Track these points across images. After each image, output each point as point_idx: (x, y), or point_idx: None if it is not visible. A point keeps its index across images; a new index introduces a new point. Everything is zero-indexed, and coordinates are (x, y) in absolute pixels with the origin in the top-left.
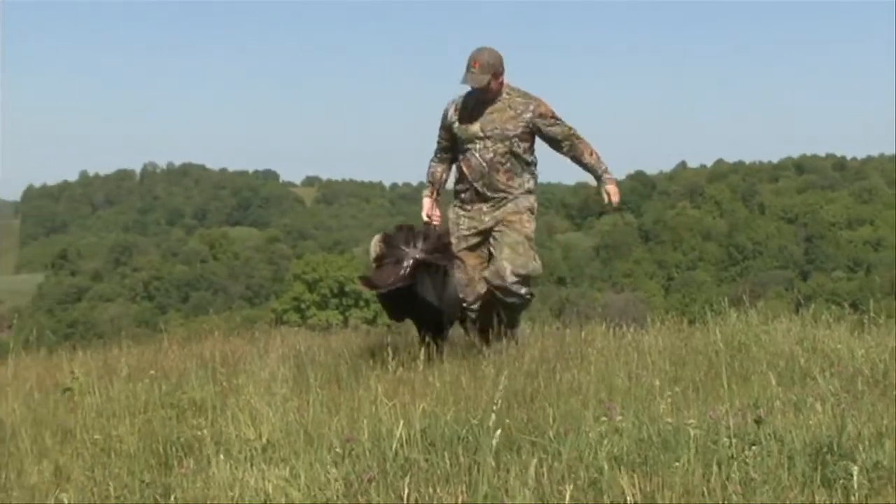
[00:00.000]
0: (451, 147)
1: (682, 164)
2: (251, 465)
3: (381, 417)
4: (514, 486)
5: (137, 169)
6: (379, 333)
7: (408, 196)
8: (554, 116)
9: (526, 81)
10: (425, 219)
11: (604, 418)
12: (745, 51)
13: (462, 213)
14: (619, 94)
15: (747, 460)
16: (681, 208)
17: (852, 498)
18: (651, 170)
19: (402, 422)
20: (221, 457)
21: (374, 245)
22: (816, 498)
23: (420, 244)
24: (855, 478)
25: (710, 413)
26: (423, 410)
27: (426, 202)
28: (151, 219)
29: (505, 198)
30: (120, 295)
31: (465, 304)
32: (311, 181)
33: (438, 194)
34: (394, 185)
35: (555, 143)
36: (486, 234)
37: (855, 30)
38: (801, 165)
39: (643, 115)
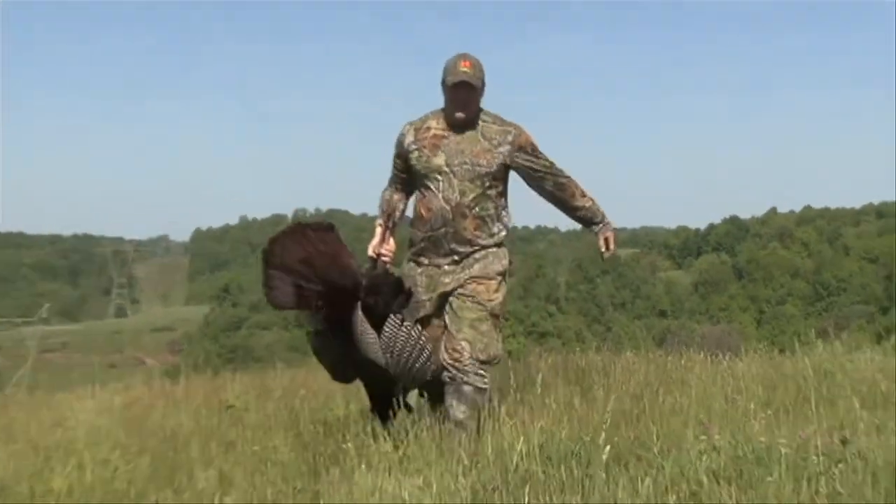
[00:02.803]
0: (409, 179)
1: (773, 210)
2: (389, 474)
3: (503, 434)
4: (622, 496)
5: (290, 214)
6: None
7: (525, 238)
8: (535, 148)
9: (627, 124)
10: (371, 254)
11: (703, 437)
12: (832, 106)
13: (419, 269)
14: (718, 145)
15: (834, 477)
16: (771, 249)
17: None
18: (744, 214)
19: (521, 438)
20: (363, 467)
21: None
22: None
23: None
24: None
25: (800, 433)
26: (540, 428)
27: (377, 233)
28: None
29: (472, 252)
30: (275, 324)
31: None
32: None
33: (394, 225)
34: (514, 228)
35: (537, 181)
36: (442, 298)
37: None
38: (881, 211)
39: (738, 165)
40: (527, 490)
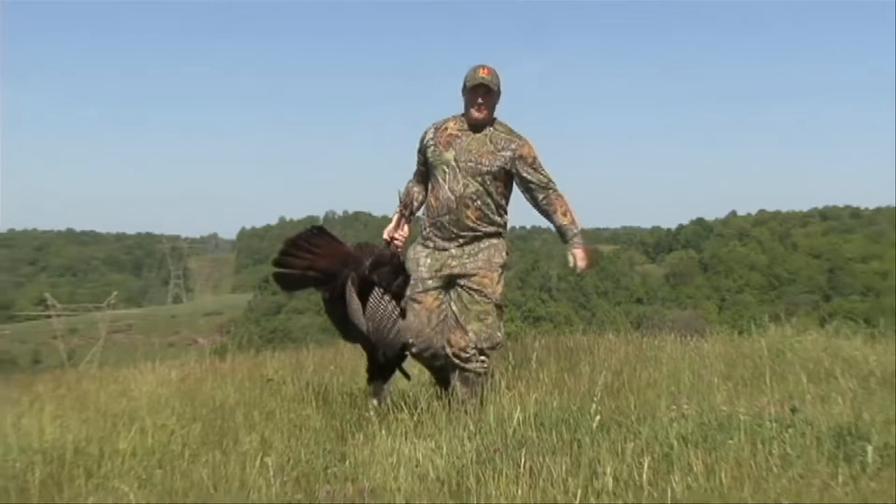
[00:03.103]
0: (427, 173)
1: (733, 213)
2: (406, 438)
3: (503, 404)
4: (606, 457)
5: (321, 215)
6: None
7: (523, 237)
8: (535, 161)
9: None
10: (385, 237)
11: (673, 406)
12: (784, 118)
13: (424, 251)
14: (687, 156)
15: (785, 440)
16: (732, 246)
17: (867, 470)
18: (709, 217)
19: (519, 407)
20: (384, 432)
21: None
22: (839, 470)
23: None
24: (869, 455)
25: (756, 403)
26: (535, 399)
27: (394, 219)
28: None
29: (475, 238)
30: (308, 309)
31: (413, 350)
32: None
33: (412, 214)
34: (513, 228)
35: (530, 191)
36: (448, 279)
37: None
38: (824, 214)
39: (704, 173)
40: (523, 452)
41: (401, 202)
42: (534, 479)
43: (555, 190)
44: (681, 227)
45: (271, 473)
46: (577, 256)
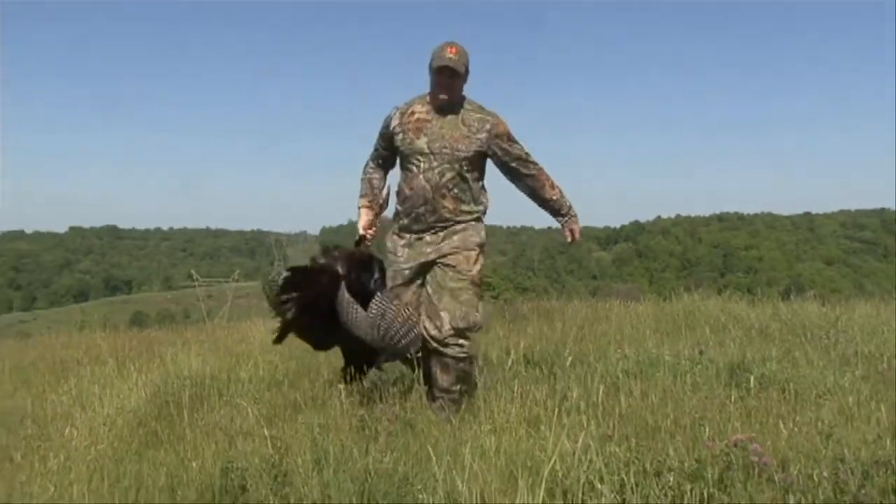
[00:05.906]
0: (390, 157)
1: (659, 217)
2: None
3: (501, 347)
4: (573, 385)
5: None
6: (498, 306)
7: (514, 233)
8: (510, 136)
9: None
10: (361, 232)
11: (619, 350)
12: (696, 138)
13: (401, 241)
14: (625, 171)
15: (695, 373)
16: (658, 240)
17: (750, 393)
18: (642, 219)
19: (512, 350)
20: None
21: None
22: (731, 393)
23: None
24: (752, 382)
25: (675, 347)
26: (524, 345)
27: (363, 214)
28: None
29: (452, 226)
30: None
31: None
32: None
33: (380, 207)
34: (506, 227)
35: (510, 169)
36: (426, 268)
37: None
38: (720, 217)
39: (640, 189)
40: (516, 382)
41: (364, 195)
42: (523, 400)
43: (534, 163)
44: (623, 226)
45: (343, 395)
46: (576, 232)
